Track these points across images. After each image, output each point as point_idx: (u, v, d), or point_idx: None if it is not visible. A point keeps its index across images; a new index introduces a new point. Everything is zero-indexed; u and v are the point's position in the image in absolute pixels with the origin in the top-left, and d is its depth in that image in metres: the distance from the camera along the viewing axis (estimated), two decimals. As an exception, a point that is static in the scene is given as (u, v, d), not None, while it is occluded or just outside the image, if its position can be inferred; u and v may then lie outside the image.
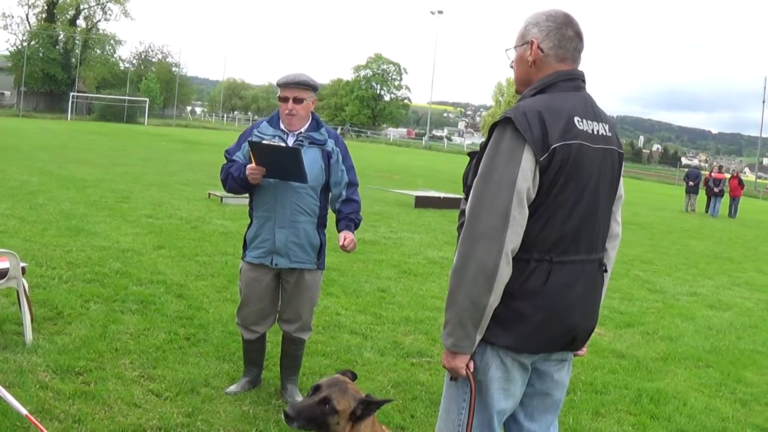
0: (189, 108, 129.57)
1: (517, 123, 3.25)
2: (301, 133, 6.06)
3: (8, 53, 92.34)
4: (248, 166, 5.85)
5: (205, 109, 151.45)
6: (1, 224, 13.01)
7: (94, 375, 6.43)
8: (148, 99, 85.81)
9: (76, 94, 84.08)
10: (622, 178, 3.75)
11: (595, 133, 3.46)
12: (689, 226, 28.26)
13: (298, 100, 5.99)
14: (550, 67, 3.51)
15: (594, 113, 3.51)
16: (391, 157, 55.00)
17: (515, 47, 3.64)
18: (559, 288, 3.38)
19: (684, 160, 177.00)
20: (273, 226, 5.99)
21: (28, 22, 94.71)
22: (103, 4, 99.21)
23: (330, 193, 6.21)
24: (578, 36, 3.55)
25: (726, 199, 37.11)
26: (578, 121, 3.39)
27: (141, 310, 8.49)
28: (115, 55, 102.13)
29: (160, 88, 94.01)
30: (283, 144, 5.94)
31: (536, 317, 3.35)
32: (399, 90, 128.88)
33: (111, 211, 15.78)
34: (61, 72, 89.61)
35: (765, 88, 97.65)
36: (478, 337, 3.33)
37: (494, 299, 3.26)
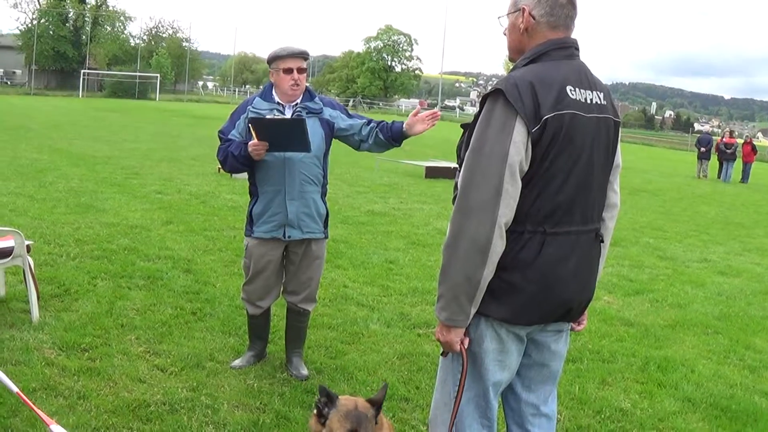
0: (201, 83, 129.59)
1: (508, 94, 3.19)
2: (297, 104, 6.04)
3: (18, 32, 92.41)
4: (250, 143, 5.76)
5: (217, 84, 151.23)
6: (11, 202, 13.05)
7: (100, 351, 6.46)
8: (159, 75, 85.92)
9: (86, 71, 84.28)
10: (619, 147, 3.69)
11: (589, 102, 3.39)
12: (701, 192, 28.13)
13: (302, 70, 6.00)
14: (542, 35, 3.43)
15: (588, 81, 3.44)
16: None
17: (507, 14, 3.57)
18: (552, 259, 3.33)
19: (696, 126, 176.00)
20: (284, 199, 5.95)
21: (38, 1, 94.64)
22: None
23: (355, 139, 6.15)
24: (571, 3, 3.47)
25: (738, 164, 36.88)
26: (571, 90, 3.32)
27: (148, 286, 8.51)
28: (125, 32, 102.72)
29: (171, 64, 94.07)
30: (284, 117, 5.90)
31: (529, 289, 3.31)
32: (410, 61, 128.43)
33: (120, 188, 15.82)
34: (71, 49, 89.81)
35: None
36: (473, 311, 3.29)
37: (488, 273, 3.22)
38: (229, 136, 6.07)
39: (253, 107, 6.07)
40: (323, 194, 6.17)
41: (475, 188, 3.19)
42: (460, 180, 3.30)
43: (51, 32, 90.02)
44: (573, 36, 3.52)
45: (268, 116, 5.89)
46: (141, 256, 9.83)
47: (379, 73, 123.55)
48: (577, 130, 3.31)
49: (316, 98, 6.14)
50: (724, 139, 37.40)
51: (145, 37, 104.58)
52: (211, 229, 11.89)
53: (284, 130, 5.70)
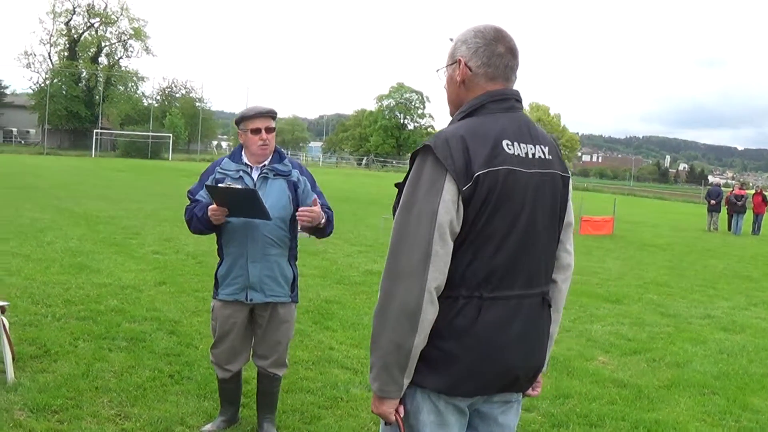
0: (215, 142, 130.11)
1: (437, 151, 3.03)
2: (265, 165, 5.94)
3: (32, 91, 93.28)
4: (210, 207, 5.70)
5: (231, 143, 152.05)
6: (5, 262, 12.95)
7: (70, 413, 6.34)
8: (171, 134, 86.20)
9: (99, 130, 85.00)
10: (570, 204, 3.48)
11: (530, 156, 3.21)
12: (710, 245, 27.84)
13: (270, 130, 5.92)
14: (480, 87, 3.27)
15: (530, 135, 3.26)
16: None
17: (445, 67, 3.42)
18: (491, 326, 3.12)
19: (711, 178, 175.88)
20: (246, 262, 5.84)
21: (51, 61, 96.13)
22: (124, 41, 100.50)
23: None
24: (510, 52, 3.31)
25: (749, 216, 36.63)
26: (507, 144, 3.15)
27: (129, 348, 8.35)
28: (138, 92, 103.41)
29: (184, 124, 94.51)
30: (239, 186, 5.76)
31: (467, 358, 3.10)
32: (422, 118, 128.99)
33: (118, 248, 15.73)
34: (84, 109, 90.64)
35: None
36: (406, 381, 3.09)
37: (419, 341, 3.03)
38: (197, 197, 5.97)
39: (221, 168, 5.99)
40: (291, 257, 6.06)
41: (403, 251, 3.02)
42: (390, 243, 3.12)
43: (64, 92, 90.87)
44: (515, 87, 3.35)
45: (221, 184, 5.77)
46: (127, 317, 9.68)
47: (392, 131, 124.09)
48: (516, 188, 3.12)
49: (286, 159, 6.04)
50: (734, 191, 37.20)
51: (158, 97, 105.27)
52: (203, 290, 11.69)
53: (239, 198, 5.62)
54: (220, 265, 6.04)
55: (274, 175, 5.91)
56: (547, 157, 3.29)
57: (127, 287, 11.58)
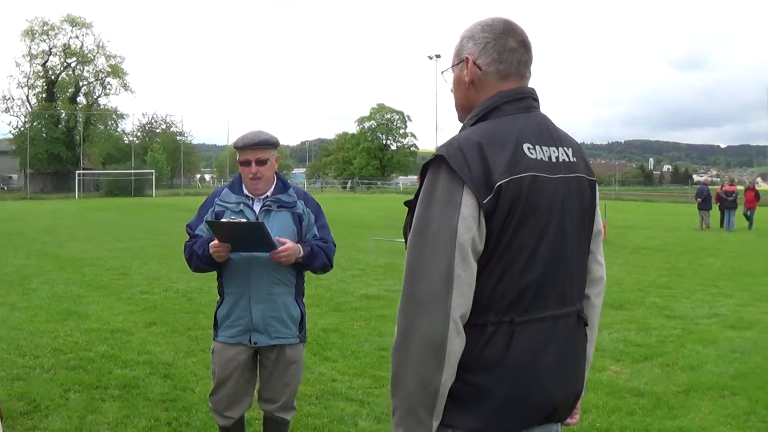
0: (198, 176, 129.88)
1: (452, 161, 2.67)
2: (267, 197, 5.53)
3: (12, 136, 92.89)
4: (211, 243, 5.29)
5: (215, 176, 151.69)
6: (-10, 314, 12.50)
7: (65, 474, 5.92)
8: (154, 171, 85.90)
9: (82, 171, 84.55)
10: (598, 210, 3.14)
11: (554, 160, 2.87)
12: (705, 243, 27.57)
13: (261, 162, 5.45)
14: (492, 86, 2.92)
15: (551, 137, 2.92)
16: (401, 206, 54.51)
17: (452, 67, 3.08)
18: (525, 354, 2.75)
19: (695, 177, 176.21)
20: (248, 302, 5.43)
21: (29, 103, 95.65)
22: (102, 79, 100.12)
23: None
24: (523, 46, 2.97)
25: (740, 211, 36.44)
26: (529, 148, 2.79)
27: (123, 396, 7.97)
28: (118, 130, 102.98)
29: (166, 159, 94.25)
30: (243, 219, 5.37)
31: (500, 392, 2.72)
32: (405, 138, 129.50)
33: (106, 290, 15.33)
34: (65, 150, 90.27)
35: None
36: (435, 424, 2.68)
37: (447, 377, 2.64)
38: (197, 231, 5.57)
39: (220, 200, 5.58)
40: (298, 294, 5.64)
41: (422, 278, 2.65)
42: (405, 269, 2.74)
43: (44, 134, 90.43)
44: (530, 85, 3.00)
45: (224, 219, 5.37)
46: (119, 362, 9.31)
47: (375, 152, 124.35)
48: (542, 195, 2.77)
49: (291, 189, 5.63)
50: (724, 188, 37.01)
51: (138, 134, 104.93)
52: (196, 327, 11.34)
53: (244, 232, 5.22)
54: (220, 304, 5.63)
55: (278, 207, 5.51)
56: (572, 159, 2.95)
57: (117, 331, 11.21)
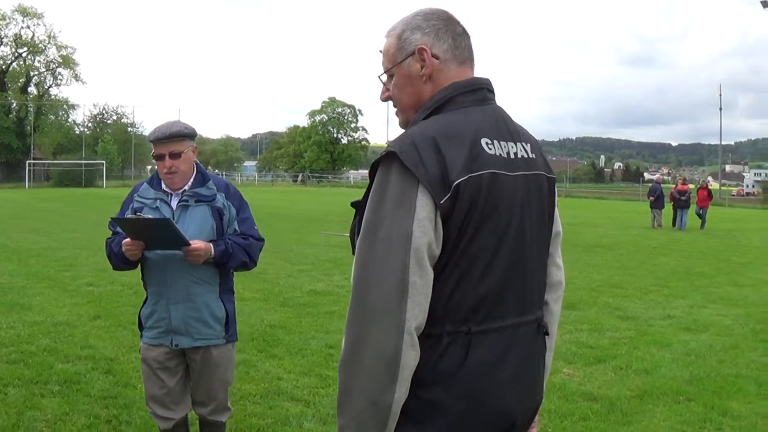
0: (149, 167, 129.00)
1: (405, 157, 2.43)
2: (185, 191, 5.22)
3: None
4: (123, 242, 5.00)
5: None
6: (-71, 307, 12.13)
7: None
8: (105, 162, 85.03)
9: (32, 161, 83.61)
10: (557, 210, 2.93)
11: (513, 156, 2.65)
12: (657, 242, 27.53)
13: (175, 155, 5.11)
14: (449, 76, 2.69)
15: (509, 131, 2.70)
16: (350, 200, 54.34)
17: (393, 67, 2.77)
18: (482, 366, 2.53)
19: (647, 176, 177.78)
20: (167, 303, 5.16)
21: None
22: (53, 69, 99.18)
23: None
24: (467, 34, 2.76)
25: (693, 210, 36.53)
26: (487, 144, 2.57)
27: (63, 392, 7.70)
28: (69, 120, 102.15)
29: (117, 150, 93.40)
30: (150, 216, 5.08)
31: (455, 407, 2.50)
32: (356, 132, 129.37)
33: (51, 282, 14.99)
34: (15, 140, 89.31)
35: (720, 95, 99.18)
36: None
37: (401, 394, 2.42)
38: (117, 229, 5.25)
39: (139, 196, 5.29)
40: (223, 292, 5.32)
41: (373, 286, 2.40)
42: (353, 276, 2.49)
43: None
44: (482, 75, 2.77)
45: (130, 215, 5.11)
46: (60, 357, 9.01)
47: (326, 146, 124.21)
48: (502, 194, 2.56)
49: (210, 182, 5.29)
50: (677, 187, 37.10)
51: (89, 125, 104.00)
52: (141, 321, 11.07)
53: (153, 229, 4.92)
54: (144, 304, 5.39)
55: (196, 202, 5.19)
56: (530, 156, 2.73)
57: (60, 324, 10.89)
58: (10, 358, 8.97)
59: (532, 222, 2.69)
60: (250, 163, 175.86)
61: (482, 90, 2.72)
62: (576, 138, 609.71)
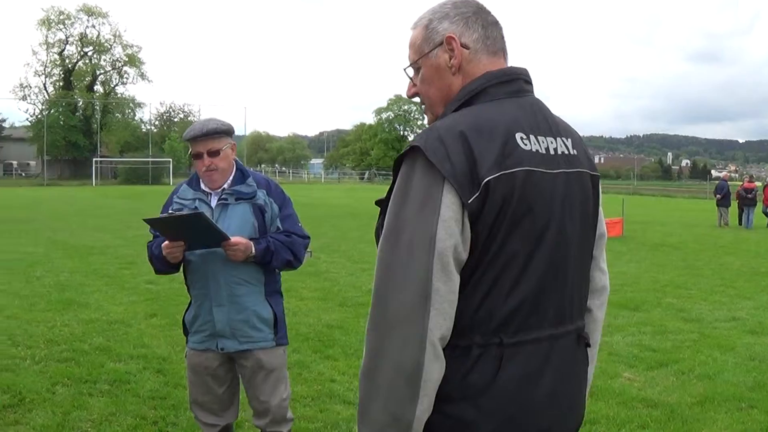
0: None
1: (430, 153, 2.25)
2: (224, 189, 5.06)
3: (29, 123, 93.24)
4: (163, 244, 4.87)
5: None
6: (-10, 302, 12.26)
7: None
8: (172, 159, 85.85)
9: (99, 159, 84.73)
10: (601, 210, 2.73)
11: (552, 152, 2.45)
12: (723, 241, 26.99)
13: (213, 153, 4.96)
14: (480, 67, 2.50)
15: (548, 125, 2.50)
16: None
17: (420, 59, 2.58)
18: (516, 381, 2.34)
19: (714, 173, 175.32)
20: (210, 306, 5.00)
21: (46, 92, 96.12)
22: (119, 68, 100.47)
23: None
24: (499, 24, 2.58)
25: (759, 208, 35.80)
26: (522, 138, 2.37)
27: (112, 392, 7.67)
28: (135, 118, 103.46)
29: (184, 147, 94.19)
30: (181, 213, 4.89)
31: (487, 426, 2.31)
32: (422, 128, 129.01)
33: (110, 279, 15.05)
34: (82, 138, 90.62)
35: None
36: None
37: (423, 409, 2.25)
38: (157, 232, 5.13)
39: (178, 197, 5.16)
40: (270, 293, 5.13)
41: (393, 292, 2.24)
42: (374, 281, 2.33)
43: (61, 122, 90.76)
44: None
45: (162, 214, 4.94)
46: (112, 356, 9.00)
47: (393, 143, 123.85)
48: (538, 194, 2.37)
49: (250, 179, 5.12)
50: (744, 185, 36.40)
51: (156, 123, 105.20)
52: (197, 320, 11.04)
53: (189, 226, 4.74)
54: (188, 308, 5.25)
55: (236, 200, 5.03)
56: (571, 152, 2.53)
57: (115, 322, 10.91)
58: (62, 356, 8.98)
59: (574, 224, 2.50)
60: (317, 161, 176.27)
61: (518, 81, 2.53)
62: (643, 135, 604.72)
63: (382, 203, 2.47)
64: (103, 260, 17.92)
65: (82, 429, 6.63)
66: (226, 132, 5.07)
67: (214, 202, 5.05)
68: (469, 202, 2.25)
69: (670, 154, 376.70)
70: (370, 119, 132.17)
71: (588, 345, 2.68)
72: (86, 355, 9.03)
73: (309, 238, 5.25)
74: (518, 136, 2.38)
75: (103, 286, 14.11)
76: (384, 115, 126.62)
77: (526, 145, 2.38)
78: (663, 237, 27.44)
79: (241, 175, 5.12)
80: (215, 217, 4.95)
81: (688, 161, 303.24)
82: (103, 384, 7.90)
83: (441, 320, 2.23)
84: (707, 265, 19.84)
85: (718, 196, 35.91)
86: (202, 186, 5.12)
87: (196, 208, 5.01)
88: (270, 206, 5.08)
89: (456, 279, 2.27)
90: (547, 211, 2.39)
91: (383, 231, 2.34)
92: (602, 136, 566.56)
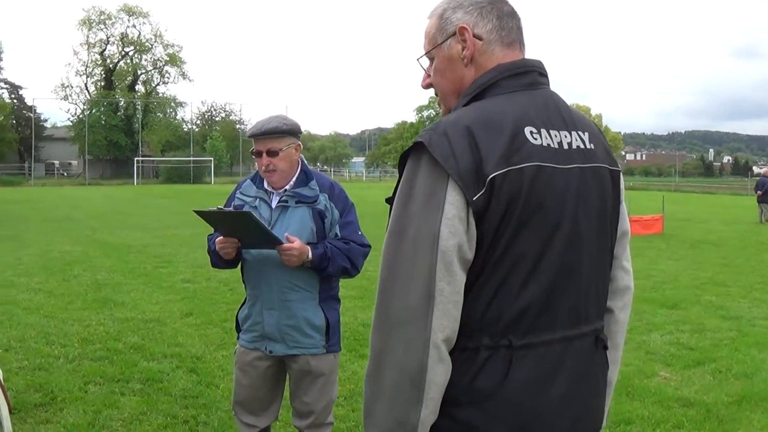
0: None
1: (434, 149, 2.19)
2: (286, 190, 4.90)
3: (71, 123, 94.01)
4: (217, 239, 4.78)
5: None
6: (27, 299, 12.43)
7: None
8: (213, 158, 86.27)
9: (140, 158, 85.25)
10: (623, 206, 2.61)
11: (566, 146, 2.35)
12: (764, 238, 26.63)
13: (273, 153, 4.80)
14: (494, 59, 2.42)
15: (563, 118, 2.40)
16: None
17: (434, 49, 2.51)
18: (527, 385, 2.25)
19: (755, 169, 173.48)
20: (261, 307, 4.89)
21: (88, 91, 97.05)
22: (160, 68, 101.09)
23: None
24: (517, 15, 2.49)
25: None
26: (532, 133, 2.28)
27: (144, 390, 7.67)
28: (177, 118, 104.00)
29: (225, 147, 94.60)
30: (230, 209, 4.80)
31: (494, 431, 2.25)
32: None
33: (147, 278, 15.08)
34: (124, 138, 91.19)
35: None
36: None
37: (428, 413, 2.18)
38: None
39: (241, 192, 5.04)
40: (324, 299, 4.94)
41: (397, 292, 2.18)
42: (378, 280, 2.27)
43: (103, 122, 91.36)
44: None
45: (212, 208, 4.72)
46: (146, 355, 9.01)
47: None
48: (549, 190, 2.27)
49: (313, 182, 4.93)
50: (784, 181, 35.94)
51: (198, 122, 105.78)
52: (233, 319, 10.78)
53: (236, 223, 4.65)
54: (243, 304, 5.17)
55: (296, 203, 4.86)
56: (588, 146, 2.43)
57: (151, 321, 10.93)
58: (96, 355, 9.00)
59: (590, 221, 2.40)
60: (358, 159, 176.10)
61: (532, 73, 2.44)
62: (685, 131, 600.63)
63: (391, 201, 2.38)
64: (140, 259, 17.97)
65: (113, 428, 6.63)
66: (289, 132, 4.89)
67: (274, 203, 4.91)
68: (474, 199, 2.18)
69: (711, 150, 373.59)
70: (412, 117, 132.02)
71: (606, 347, 2.58)
72: (120, 354, 9.04)
73: (369, 247, 5.03)
74: (528, 130, 2.30)
75: (139, 285, 14.14)
76: (425, 113, 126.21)
77: (536, 139, 2.30)
78: (703, 234, 27.17)
79: (305, 177, 4.96)
80: (274, 219, 4.84)
81: (730, 158, 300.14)
82: (136, 383, 7.90)
83: (445, 321, 2.17)
84: (747, 262, 19.63)
85: (759, 192, 35.50)
86: (265, 185, 4.97)
87: (256, 207, 4.91)
88: (330, 211, 4.91)
89: (461, 279, 2.20)
90: (558, 208, 2.31)
91: (387, 229, 2.28)
92: (644, 133, 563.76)
